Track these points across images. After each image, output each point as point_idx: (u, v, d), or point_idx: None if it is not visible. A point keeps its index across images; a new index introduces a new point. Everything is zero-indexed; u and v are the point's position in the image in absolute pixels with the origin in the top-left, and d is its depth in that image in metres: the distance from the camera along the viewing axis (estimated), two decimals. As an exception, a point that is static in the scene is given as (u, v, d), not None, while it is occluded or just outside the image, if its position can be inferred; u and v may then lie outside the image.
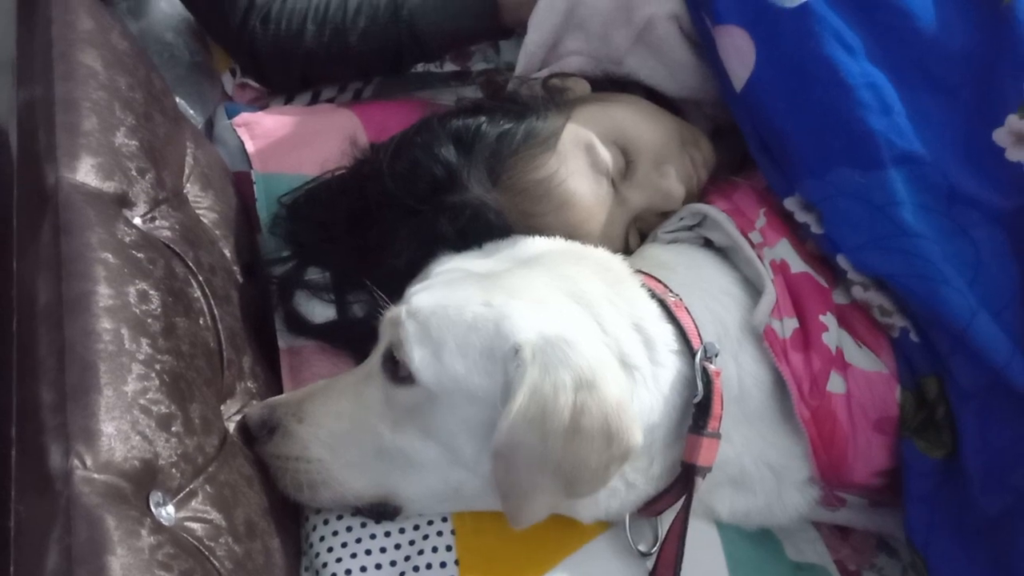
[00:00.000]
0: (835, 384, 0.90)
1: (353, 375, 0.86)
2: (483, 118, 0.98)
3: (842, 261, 0.91)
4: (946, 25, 0.90)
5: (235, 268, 1.02)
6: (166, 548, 0.65)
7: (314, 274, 1.03)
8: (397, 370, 0.80)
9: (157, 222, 0.89)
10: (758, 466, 0.90)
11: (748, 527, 0.93)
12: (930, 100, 0.89)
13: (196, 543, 0.69)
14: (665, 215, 1.02)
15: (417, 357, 0.79)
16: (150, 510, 0.66)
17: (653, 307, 0.87)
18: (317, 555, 0.84)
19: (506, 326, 0.78)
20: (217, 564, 0.70)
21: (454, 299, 0.81)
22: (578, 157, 0.96)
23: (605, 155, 0.97)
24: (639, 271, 0.91)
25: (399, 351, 0.80)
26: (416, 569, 0.82)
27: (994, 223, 0.86)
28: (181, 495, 0.71)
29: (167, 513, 0.68)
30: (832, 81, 0.90)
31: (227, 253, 1.01)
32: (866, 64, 0.90)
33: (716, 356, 0.86)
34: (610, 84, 1.09)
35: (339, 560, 0.83)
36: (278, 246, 1.06)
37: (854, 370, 0.90)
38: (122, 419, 0.68)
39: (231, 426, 0.85)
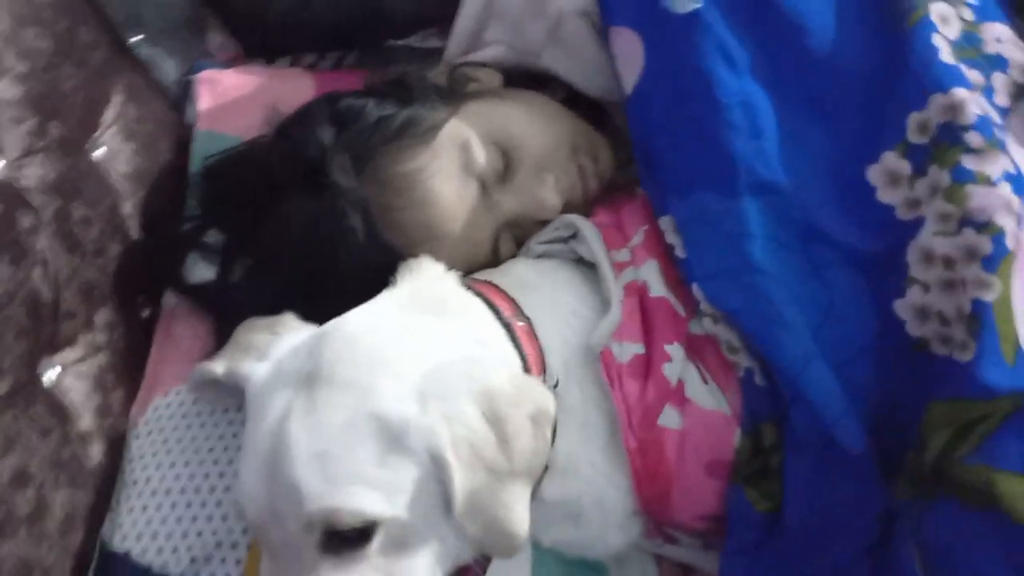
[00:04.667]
0: (669, 418, 0.80)
1: None
2: (371, 101, 0.92)
3: (696, 290, 0.81)
4: (843, 45, 0.78)
5: (128, 223, 1.00)
6: None
7: (212, 238, 1.02)
8: (349, 538, 0.67)
9: (23, 171, 0.87)
10: (594, 506, 0.82)
11: (567, 554, 0.86)
12: (810, 126, 0.78)
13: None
14: (545, 223, 0.94)
15: (363, 504, 0.66)
16: None
17: (498, 332, 0.80)
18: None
19: (381, 412, 0.67)
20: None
21: (319, 434, 0.67)
22: (451, 155, 0.88)
23: (480, 156, 0.89)
24: (495, 289, 0.85)
25: (343, 520, 0.66)
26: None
27: (854, 267, 0.75)
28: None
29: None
30: (705, 96, 0.79)
31: (124, 207, 1.00)
32: (747, 81, 0.79)
33: (556, 385, 0.79)
34: (529, 79, 1.02)
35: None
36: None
37: (693, 406, 0.81)
38: None
39: (53, 374, 0.84)
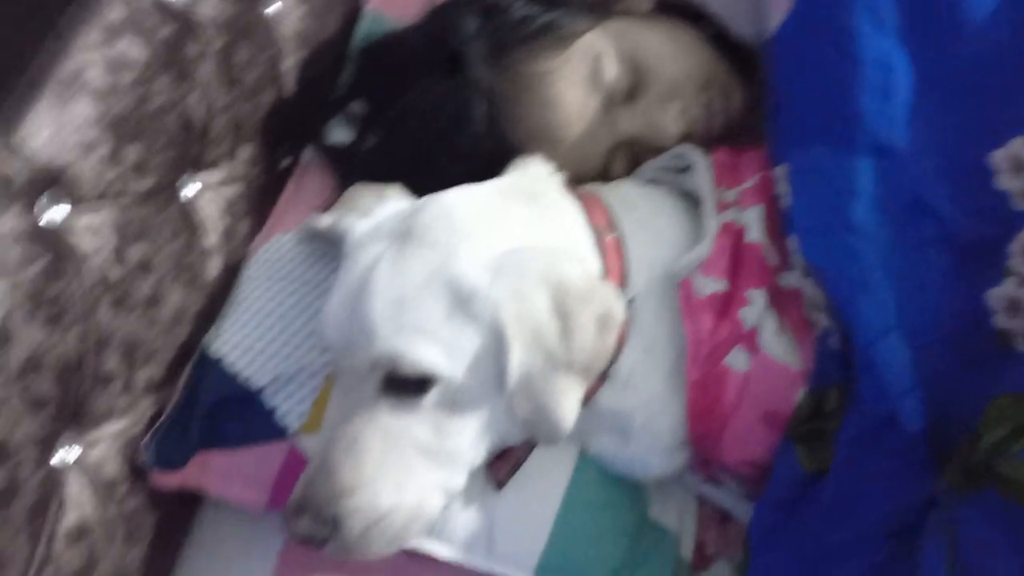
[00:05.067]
0: (736, 360, 0.81)
1: (349, 430, 0.73)
2: (521, 0, 0.95)
3: (791, 241, 0.81)
4: (996, 26, 0.74)
5: (285, 78, 1.07)
6: (31, 242, 0.73)
7: (356, 108, 1.09)
8: (408, 385, 0.73)
9: (199, 5, 0.93)
10: (644, 426, 0.85)
11: (610, 468, 0.89)
12: (944, 99, 0.75)
13: (72, 249, 0.77)
14: (661, 150, 0.95)
15: (424, 355, 0.71)
16: (36, 205, 0.75)
17: (586, 237, 0.83)
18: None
19: (457, 273, 0.73)
20: (87, 279, 0.77)
21: (400, 282, 0.73)
22: (582, 64, 0.91)
23: (610, 71, 0.91)
24: (595, 200, 0.87)
25: (404, 366, 0.71)
26: None
27: (954, 249, 0.73)
28: (80, 205, 0.79)
29: (57, 211, 0.76)
30: (845, 48, 0.78)
31: (284, 63, 1.07)
32: (890, 42, 0.77)
33: (631, 301, 0.82)
34: (681, 13, 1.02)
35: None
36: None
37: (762, 354, 0.81)
38: (49, 127, 0.77)
39: (191, 190, 0.93)
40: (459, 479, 0.77)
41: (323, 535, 0.72)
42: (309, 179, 1.06)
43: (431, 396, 0.73)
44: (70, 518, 0.75)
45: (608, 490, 0.88)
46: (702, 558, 0.89)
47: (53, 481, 0.74)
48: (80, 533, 0.75)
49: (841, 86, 0.78)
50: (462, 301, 0.72)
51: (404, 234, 0.76)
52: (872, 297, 0.73)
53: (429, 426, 0.74)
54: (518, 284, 0.73)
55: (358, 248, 0.79)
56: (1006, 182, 0.71)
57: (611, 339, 0.76)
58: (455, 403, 0.74)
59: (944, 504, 0.68)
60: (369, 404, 0.74)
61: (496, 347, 0.73)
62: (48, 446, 0.74)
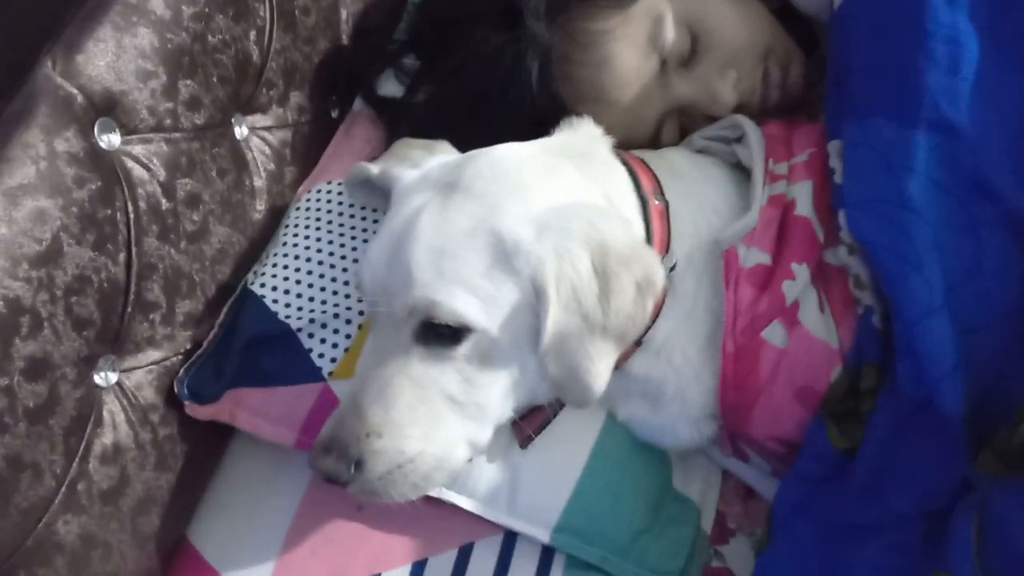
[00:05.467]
0: (774, 334, 0.80)
1: (381, 374, 0.74)
2: None
3: (841, 217, 0.79)
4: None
5: (343, 27, 1.09)
6: (85, 165, 0.74)
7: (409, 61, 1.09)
8: (441, 335, 0.73)
9: None
10: (675, 395, 0.84)
11: (637, 435, 0.88)
12: (1012, 79, 0.73)
13: (123, 176, 0.78)
14: (714, 119, 0.93)
15: (461, 305, 0.71)
16: (92, 129, 0.76)
17: (633, 202, 0.82)
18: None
19: (501, 227, 0.72)
20: (136, 207, 0.78)
21: (443, 231, 0.73)
22: (642, 25, 0.89)
23: (669, 34, 0.89)
24: (643, 165, 0.86)
25: (440, 315, 0.71)
26: None
27: (1014, 233, 0.71)
28: (137, 134, 0.79)
29: (111, 139, 0.77)
30: (914, 23, 0.76)
31: (342, 12, 1.09)
32: (961, 18, 0.75)
33: (672, 268, 0.81)
34: None
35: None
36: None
37: (802, 330, 0.80)
38: (109, 53, 0.77)
39: (242, 130, 0.93)
40: (485, 433, 0.77)
41: (346, 475, 0.72)
42: (357, 130, 1.07)
43: (464, 347, 0.73)
44: (105, 439, 0.76)
45: (633, 456, 0.87)
46: (723, 532, 0.89)
47: (91, 402, 0.75)
48: (114, 454, 0.77)
49: (906, 59, 0.76)
50: (504, 255, 0.72)
51: (451, 185, 0.76)
52: (922, 276, 0.72)
53: (460, 377, 0.74)
54: (561, 242, 0.72)
55: (404, 196, 0.79)
56: (1071, 165, 0.69)
57: (649, 305, 0.75)
58: (487, 357, 0.74)
59: (978, 487, 0.66)
60: (402, 351, 0.74)
61: (534, 304, 0.72)
62: (88, 367, 0.75)
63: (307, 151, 1.03)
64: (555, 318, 0.72)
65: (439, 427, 0.74)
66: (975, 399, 0.70)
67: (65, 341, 0.71)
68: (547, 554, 0.85)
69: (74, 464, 0.73)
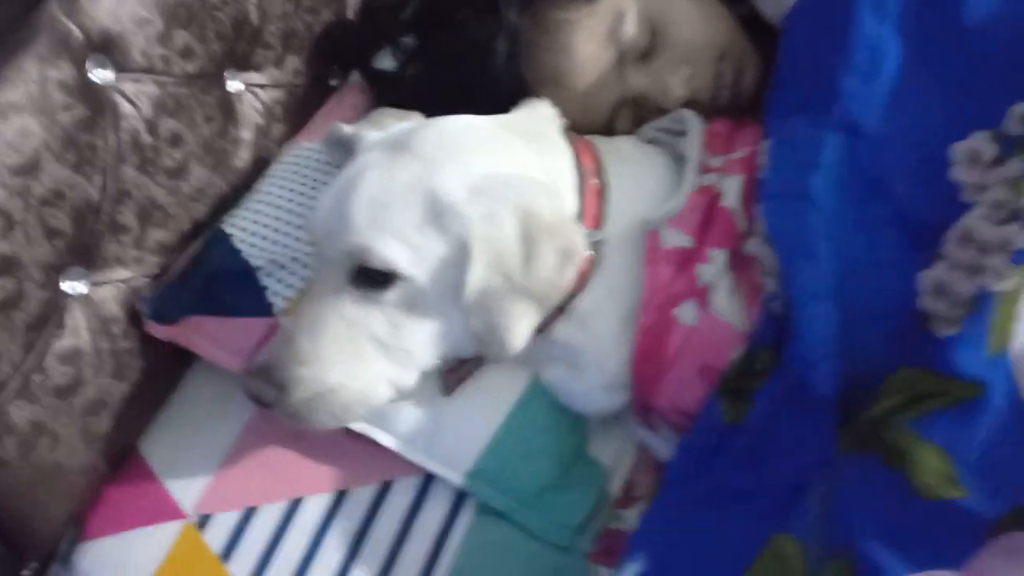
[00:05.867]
0: (686, 313, 0.85)
1: (314, 309, 0.81)
2: None
3: (758, 208, 0.84)
4: (993, 25, 0.76)
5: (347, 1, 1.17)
6: (74, 93, 0.82)
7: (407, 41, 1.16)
8: (374, 280, 0.79)
9: None
10: (593, 362, 0.89)
11: (558, 398, 0.93)
12: (928, 89, 0.77)
13: (110, 109, 0.86)
14: (665, 112, 0.98)
15: (391, 253, 0.77)
16: (85, 63, 0.84)
17: (571, 179, 0.88)
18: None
19: (437, 187, 0.79)
20: (118, 138, 0.87)
21: (385, 185, 0.80)
22: (604, 18, 0.95)
23: (629, 29, 0.95)
24: (589, 147, 0.91)
25: (371, 260, 0.78)
26: None
27: (905, 233, 0.75)
28: (125, 73, 0.88)
29: (103, 74, 0.86)
30: (842, 32, 0.80)
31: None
32: (887, 30, 0.79)
33: (599, 243, 0.87)
34: None
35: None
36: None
37: (710, 311, 0.84)
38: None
39: (235, 85, 1.02)
40: (409, 377, 0.83)
41: (271, 397, 0.80)
42: (350, 99, 1.14)
43: (393, 293, 0.80)
44: (65, 341, 0.85)
45: (552, 417, 0.92)
46: (628, 498, 0.93)
47: (56, 305, 0.84)
48: (72, 356, 0.85)
49: (829, 64, 0.80)
50: (436, 213, 0.79)
51: (400, 145, 0.83)
52: (813, 264, 0.76)
53: (387, 321, 0.81)
54: (491, 206, 0.78)
55: (361, 153, 0.86)
56: (960, 173, 0.73)
57: (569, 273, 0.81)
58: (415, 305, 0.80)
59: (834, 465, 0.70)
60: (337, 292, 0.81)
61: (460, 261, 0.79)
62: (56, 272, 0.83)
63: (299, 112, 1.11)
64: (477, 275, 0.78)
65: (363, 364, 0.81)
66: (850, 384, 0.73)
67: (35, 246, 0.80)
68: (459, 499, 0.91)
69: (31, 356, 0.81)
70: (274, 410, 0.81)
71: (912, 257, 0.74)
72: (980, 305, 0.65)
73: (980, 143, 0.72)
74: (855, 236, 0.76)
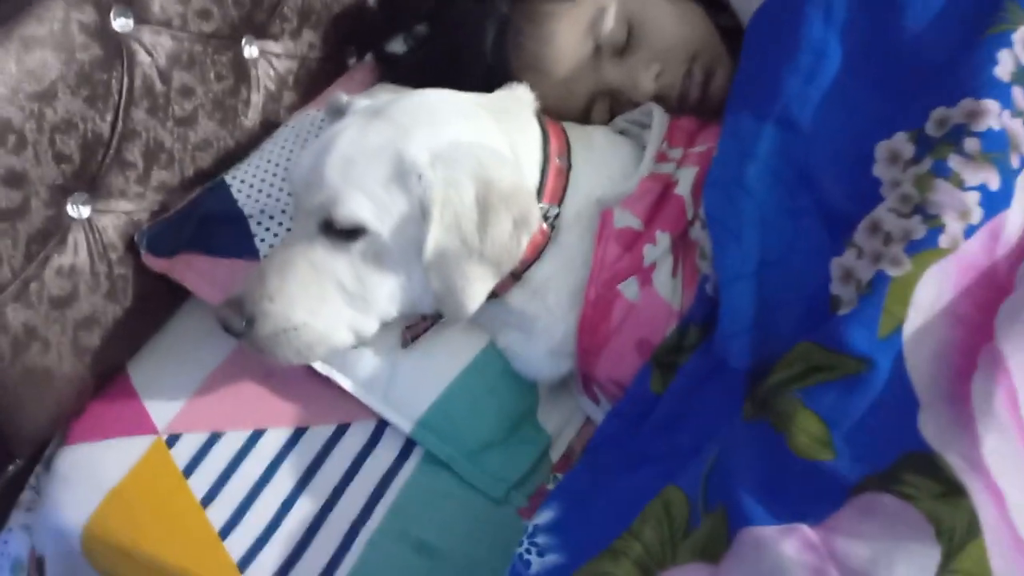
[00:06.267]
0: (630, 290, 0.90)
1: (287, 253, 0.88)
2: None
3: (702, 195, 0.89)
4: (931, 35, 0.80)
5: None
6: (94, 36, 0.91)
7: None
8: (343, 232, 0.86)
9: None
10: (543, 331, 0.95)
11: (511, 362, 0.99)
12: (864, 92, 0.81)
13: (126, 54, 0.95)
14: (637, 105, 1.04)
15: (356, 207, 0.84)
16: (109, 12, 0.93)
17: (535, 157, 0.93)
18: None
19: (404, 150, 0.85)
20: (131, 81, 0.95)
21: (358, 145, 0.87)
22: (586, 13, 1.02)
23: (608, 24, 1.01)
24: (560, 131, 0.97)
25: (339, 213, 0.85)
26: None
27: (826, 224, 0.79)
28: (144, 25, 0.96)
29: (123, 22, 0.95)
30: (791, 35, 0.85)
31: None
32: (832, 35, 0.84)
33: (556, 217, 0.93)
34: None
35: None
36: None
37: (651, 289, 0.90)
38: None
39: (252, 51, 1.10)
40: (369, 325, 0.90)
41: (238, 327, 0.87)
42: (360, 76, 1.22)
43: (359, 245, 0.87)
44: (64, 258, 0.93)
45: (503, 381, 0.98)
46: (567, 463, 0.98)
47: (59, 224, 0.93)
48: (70, 272, 0.93)
49: (776, 65, 0.85)
50: (401, 174, 0.86)
51: (378, 111, 0.91)
52: (739, 245, 0.81)
53: (352, 271, 0.88)
54: (451, 172, 0.85)
55: (348, 118, 0.94)
56: (880, 171, 0.77)
57: (523, 240, 0.87)
58: (378, 258, 0.87)
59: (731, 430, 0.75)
60: (309, 239, 0.89)
61: (420, 219, 0.85)
62: (62, 194, 0.92)
63: (311, 84, 1.19)
64: (436, 236, 0.85)
65: (326, 307, 0.88)
66: (764, 359, 0.78)
67: (44, 167, 0.89)
68: (407, 447, 0.97)
69: (31, 266, 0.90)
70: (242, 341, 0.88)
71: (830, 246, 0.78)
72: (875, 288, 0.69)
73: (900, 143, 0.76)
74: (782, 223, 0.81)
